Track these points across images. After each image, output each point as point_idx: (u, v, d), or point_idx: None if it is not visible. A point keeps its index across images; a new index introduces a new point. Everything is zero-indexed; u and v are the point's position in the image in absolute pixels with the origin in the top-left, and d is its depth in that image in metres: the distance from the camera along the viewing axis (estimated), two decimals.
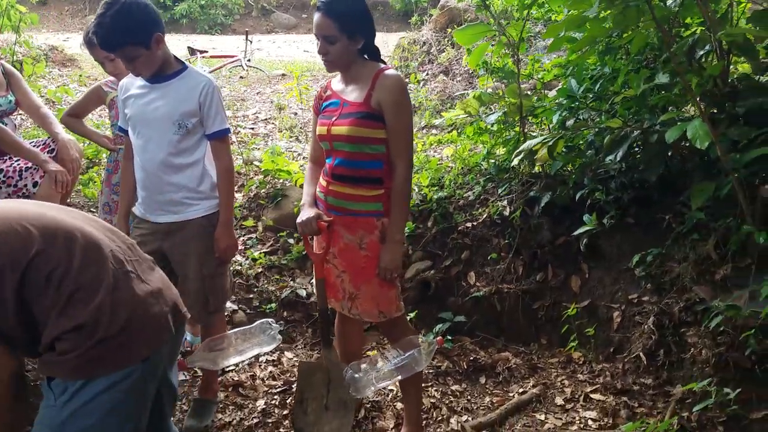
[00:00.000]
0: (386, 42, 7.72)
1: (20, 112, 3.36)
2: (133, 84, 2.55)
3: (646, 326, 2.88)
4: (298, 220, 2.48)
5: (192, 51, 8.96)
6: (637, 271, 3.05)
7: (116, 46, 2.34)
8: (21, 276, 1.55)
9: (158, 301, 1.73)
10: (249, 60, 8.77)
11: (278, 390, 2.94)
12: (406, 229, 3.63)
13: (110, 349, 1.61)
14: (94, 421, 1.61)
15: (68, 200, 3.57)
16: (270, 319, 2.52)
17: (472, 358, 3.19)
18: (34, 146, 3.19)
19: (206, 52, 9.13)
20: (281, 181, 4.04)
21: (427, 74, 6.83)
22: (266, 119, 5.83)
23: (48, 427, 1.61)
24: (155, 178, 2.51)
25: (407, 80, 6.74)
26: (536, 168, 3.58)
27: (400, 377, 2.49)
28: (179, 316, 1.81)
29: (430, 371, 3.12)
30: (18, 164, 3.08)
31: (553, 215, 3.47)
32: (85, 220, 1.77)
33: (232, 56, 8.81)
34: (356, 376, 2.42)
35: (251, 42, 9.35)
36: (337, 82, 2.48)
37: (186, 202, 2.54)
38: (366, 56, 2.42)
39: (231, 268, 3.53)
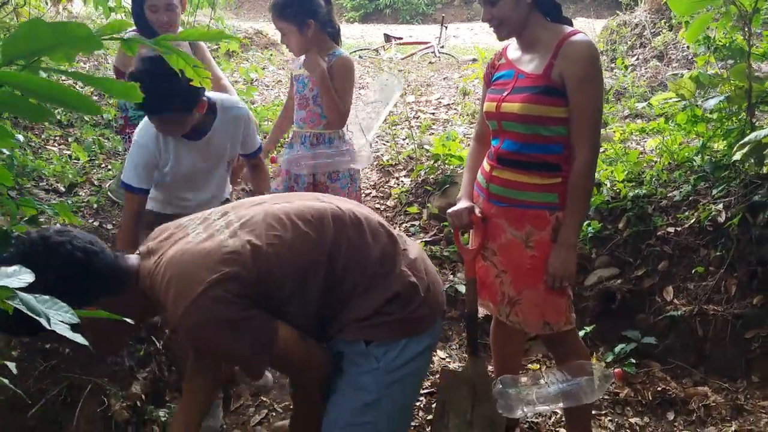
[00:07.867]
0: (593, 27, 7.04)
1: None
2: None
3: None
4: (449, 210, 2.21)
5: (387, 38, 9.03)
6: None
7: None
8: (328, 263, 1.56)
9: (423, 254, 1.78)
10: (443, 47, 8.58)
11: (425, 392, 2.68)
12: (590, 228, 3.17)
13: (429, 305, 1.65)
14: (414, 381, 1.69)
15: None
16: None
17: (660, 389, 2.65)
18: None
19: (401, 38, 9.15)
20: (451, 167, 3.75)
21: (638, 59, 6.06)
22: (449, 104, 5.56)
23: (374, 392, 1.59)
24: None
25: (613, 65, 6.04)
26: (765, 168, 2.88)
27: (562, 405, 2.12)
28: None
29: (606, 397, 2.64)
30: None
31: None
32: (335, 198, 1.79)
33: (426, 42, 8.70)
34: (508, 391, 2.09)
35: (446, 28, 9.16)
36: (513, 49, 2.11)
37: None
38: (548, 18, 2.03)
39: None
